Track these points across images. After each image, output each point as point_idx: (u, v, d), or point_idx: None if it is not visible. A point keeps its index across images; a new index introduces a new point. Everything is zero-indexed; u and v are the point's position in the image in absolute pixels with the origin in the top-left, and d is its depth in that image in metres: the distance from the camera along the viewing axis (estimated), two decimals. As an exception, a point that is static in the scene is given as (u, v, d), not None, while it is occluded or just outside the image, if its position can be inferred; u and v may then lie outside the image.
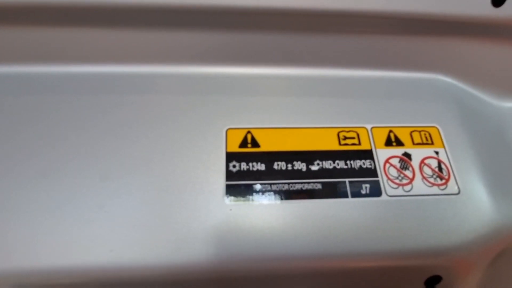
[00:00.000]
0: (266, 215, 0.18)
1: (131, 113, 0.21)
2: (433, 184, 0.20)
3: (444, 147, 0.21)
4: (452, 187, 0.20)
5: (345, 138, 0.21)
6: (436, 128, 0.22)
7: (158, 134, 0.20)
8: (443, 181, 0.20)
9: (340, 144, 0.21)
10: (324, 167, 0.20)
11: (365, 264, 0.18)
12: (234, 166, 0.19)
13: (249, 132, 0.20)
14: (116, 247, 0.16)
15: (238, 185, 0.19)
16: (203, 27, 0.21)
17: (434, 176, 0.20)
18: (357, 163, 0.20)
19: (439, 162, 0.21)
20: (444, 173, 0.20)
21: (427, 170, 0.20)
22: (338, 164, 0.20)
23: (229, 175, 0.19)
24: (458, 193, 0.20)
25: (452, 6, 0.20)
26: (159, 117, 0.20)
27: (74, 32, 0.21)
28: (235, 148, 0.20)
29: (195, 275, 0.17)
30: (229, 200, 0.18)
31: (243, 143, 0.20)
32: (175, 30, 0.21)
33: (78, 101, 0.21)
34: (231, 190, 0.19)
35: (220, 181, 0.19)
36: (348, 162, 0.20)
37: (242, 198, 0.18)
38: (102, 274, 0.16)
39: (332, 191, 0.19)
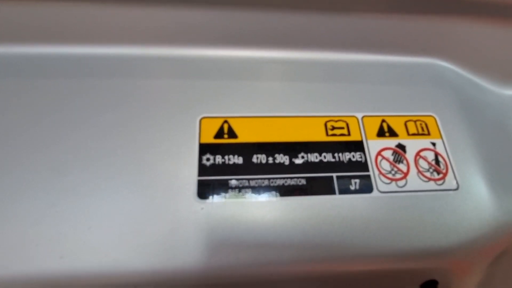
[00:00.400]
0: (242, 215, 0.16)
1: (93, 98, 0.18)
2: (430, 179, 0.18)
3: (441, 138, 0.19)
4: (450, 182, 0.18)
5: (333, 128, 0.19)
6: (433, 117, 0.20)
7: (122, 122, 0.18)
8: (441, 175, 0.18)
9: (327, 134, 0.19)
10: (309, 160, 0.18)
11: (354, 268, 0.16)
12: (207, 160, 0.17)
13: (225, 121, 0.18)
14: (67, 253, 0.14)
15: (212, 180, 0.17)
16: (176, 2, 0.19)
17: (431, 170, 0.18)
18: (346, 156, 0.18)
19: (436, 155, 0.19)
20: (442, 166, 0.18)
21: (423, 164, 0.18)
22: (325, 157, 0.18)
23: (202, 169, 0.17)
24: (457, 189, 0.18)
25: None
26: (124, 103, 0.18)
27: (34, 9, 0.19)
28: (209, 139, 0.18)
29: (156, 283, 0.15)
30: (201, 198, 0.16)
31: (219, 134, 0.18)
32: (146, 6, 0.19)
33: (30, 84, 0.18)
34: (203, 187, 0.16)
35: (191, 176, 0.17)
36: (336, 154, 0.18)
37: (215, 196, 0.16)
38: (49, 284, 0.14)
39: (317, 187, 0.17)
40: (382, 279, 0.17)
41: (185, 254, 0.15)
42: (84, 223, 0.15)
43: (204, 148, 0.17)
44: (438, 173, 0.18)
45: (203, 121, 0.18)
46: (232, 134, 0.18)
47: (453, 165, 0.19)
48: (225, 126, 0.18)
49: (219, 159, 0.17)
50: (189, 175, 0.17)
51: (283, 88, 0.20)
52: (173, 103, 0.18)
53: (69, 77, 0.19)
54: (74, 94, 0.18)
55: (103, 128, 0.17)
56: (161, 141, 0.17)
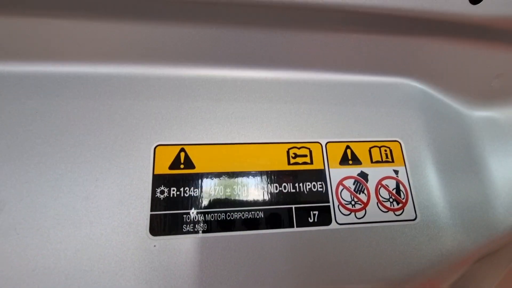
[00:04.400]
0: (197, 252, 0.16)
1: (39, 119, 0.17)
2: (389, 209, 0.19)
3: (404, 165, 0.20)
4: (408, 212, 0.19)
5: (296, 156, 0.19)
6: (398, 142, 0.20)
7: (66, 148, 0.17)
8: (400, 205, 0.19)
9: (289, 163, 0.19)
10: (268, 191, 0.18)
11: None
12: (162, 192, 0.17)
13: (182, 149, 0.18)
14: (9, 298, 0.14)
15: (166, 215, 0.17)
16: (128, 19, 0.18)
17: (391, 200, 0.19)
18: (307, 186, 0.18)
19: (398, 183, 0.19)
20: (402, 195, 0.19)
21: (383, 193, 0.19)
22: (285, 187, 0.18)
23: (155, 203, 0.17)
24: (415, 219, 0.19)
25: (426, 1, 0.18)
26: (68, 126, 0.17)
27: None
28: (164, 169, 0.18)
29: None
30: (154, 235, 0.16)
31: (175, 164, 0.18)
32: (90, 21, 0.18)
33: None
34: (156, 222, 0.16)
35: (143, 210, 0.16)
36: (296, 184, 0.18)
37: (169, 232, 0.16)
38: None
39: (275, 221, 0.17)
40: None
41: (135, 295, 0.15)
42: (23, 261, 0.15)
43: (158, 180, 0.17)
44: (398, 203, 0.19)
45: (158, 149, 0.18)
46: (189, 164, 0.18)
47: (414, 194, 0.19)
48: (182, 155, 0.18)
49: (174, 191, 0.17)
50: (141, 209, 0.16)
51: (244, 111, 0.19)
52: (126, 129, 0.18)
53: (19, 96, 0.17)
54: (18, 115, 0.17)
55: (47, 155, 0.17)
56: (111, 172, 0.17)
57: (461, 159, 0.21)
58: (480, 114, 0.23)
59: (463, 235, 0.19)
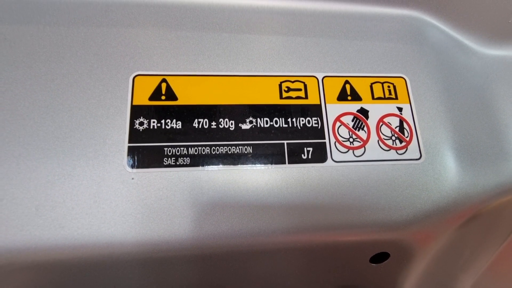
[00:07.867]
0: (178, 187, 0.15)
1: (7, 46, 0.16)
2: (391, 148, 0.17)
3: (409, 102, 0.18)
4: (413, 151, 0.17)
5: (289, 89, 0.17)
6: (403, 79, 0.19)
7: (40, 78, 0.16)
8: (403, 144, 0.17)
9: (281, 97, 0.17)
10: (258, 125, 0.17)
11: (301, 240, 0.16)
12: (141, 124, 0.16)
13: (164, 80, 0.17)
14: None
15: (144, 147, 0.15)
16: None
17: (393, 138, 0.17)
18: (300, 121, 0.17)
19: (401, 121, 0.18)
20: (406, 134, 0.18)
21: (385, 131, 0.18)
22: (276, 122, 0.17)
23: (134, 134, 0.16)
24: (419, 159, 0.17)
25: None
26: (41, 53, 0.16)
27: None
28: (144, 100, 0.16)
29: (81, 259, 0.14)
30: (131, 167, 0.15)
31: (156, 95, 0.16)
32: None
33: None
34: (134, 154, 0.15)
35: (120, 142, 0.15)
36: (289, 120, 0.17)
37: (148, 165, 0.15)
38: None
39: (264, 156, 0.16)
40: (331, 251, 0.17)
41: (111, 227, 0.14)
42: (-6, 194, 0.14)
43: (137, 111, 0.16)
44: (401, 141, 0.17)
45: (137, 79, 0.16)
46: (171, 95, 0.16)
47: (419, 133, 0.18)
48: (163, 86, 0.17)
49: (154, 123, 0.16)
50: (118, 141, 0.15)
51: (232, 41, 0.18)
52: (101, 57, 0.16)
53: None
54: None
55: (15, 81, 0.15)
56: (86, 101, 0.16)
57: (472, 100, 0.20)
58: (494, 53, 0.21)
59: (472, 179, 0.18)
